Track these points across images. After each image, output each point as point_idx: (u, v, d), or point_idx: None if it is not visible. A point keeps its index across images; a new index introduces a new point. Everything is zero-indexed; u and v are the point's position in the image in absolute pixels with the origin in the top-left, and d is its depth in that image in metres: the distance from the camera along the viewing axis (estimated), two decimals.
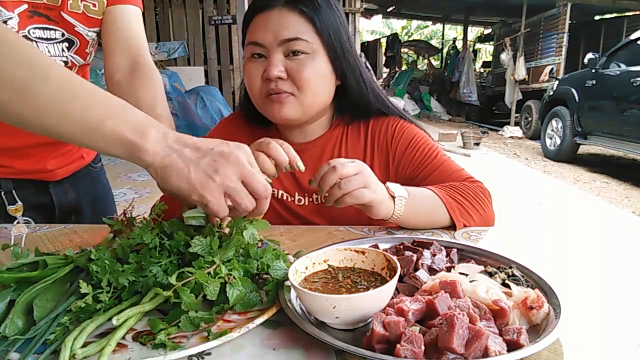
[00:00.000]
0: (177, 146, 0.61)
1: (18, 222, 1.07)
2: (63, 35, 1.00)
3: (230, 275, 0.62)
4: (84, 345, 0.53)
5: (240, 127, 1.15)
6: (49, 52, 0.98)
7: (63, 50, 1.02)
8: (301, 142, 1.09)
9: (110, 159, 3.97)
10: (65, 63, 1.03)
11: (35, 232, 0.98)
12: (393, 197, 0.88)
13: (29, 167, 1.09)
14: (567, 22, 8.84)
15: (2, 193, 1.08)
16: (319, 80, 0.98)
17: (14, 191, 1.09)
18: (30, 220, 1.10)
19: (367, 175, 0.84)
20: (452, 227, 0.93)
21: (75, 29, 1.01)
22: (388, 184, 0.90)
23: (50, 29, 0.98)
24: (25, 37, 0.94)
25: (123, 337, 0.56)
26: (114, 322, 0.55)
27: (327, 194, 0.83)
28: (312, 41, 0.96)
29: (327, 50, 0.98)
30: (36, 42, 0.96)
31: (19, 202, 1.09)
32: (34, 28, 0.95)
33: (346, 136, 1.09)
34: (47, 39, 0.98)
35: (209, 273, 0.60)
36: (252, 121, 1.12)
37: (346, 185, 0.81)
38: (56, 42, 1.00)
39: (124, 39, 1.05)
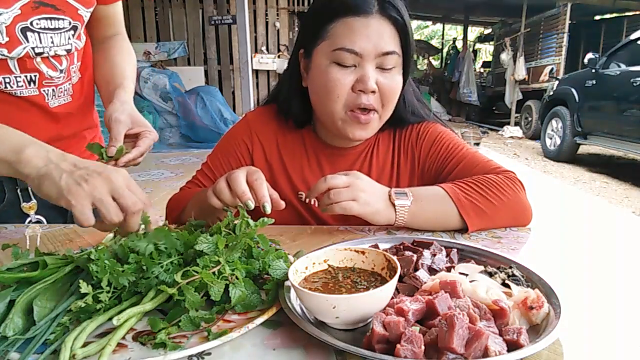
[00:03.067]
0: (55, 159, 0.70)
1: (30, 221, 1.08)
2: (70, 23, 1.01)
3: (233, 275, 0.62)
4: (84, 345, 0.53)
5: (268, 122, 1.09)
6: (52, 41, 0.98)
7: (69, 38, 1.03)
8: (340, 147, 1.07)
9: None
10: (69, 51, 1.04)
11: (35, 232, 0.98)
12: (394, 205, 0.88)
13: None
14: (567, 22, 8.83)
15: (18, 190, 1.09)
16: (397, 95, 0.96)
17: (29, 188, 1.09)
18: (42, 219, 1.10)
19: (358, 189, 0.85)
20: (465, 229, 0.90)
21: (78, 12, 1.03)
22: (392, 190, 0.90)
23: (58, 19, 0.98)
24: (27, 28, 0.93)
25: (123, 337, 0.56)
26: (115, 322, 0.55)
27: (317, 201, 0.86)
28: (399, 55, 0.93)
29: (403, 65, 0.96)
30: (39, 32, 0.96)
31: (34, 200, 1.09)
32: (40, 19, 0.95)
33: (378, 143, 1.09)
34: (53, 29, 0.98)
35: (213, 273, 0.60)
36: (286, 119, 1.07)
37: (335, 196, 0.84)
38: (64, 31, 1.01)
39: (109, 25, 1.19)
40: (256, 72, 8.18)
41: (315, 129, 1.08)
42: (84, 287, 0.57)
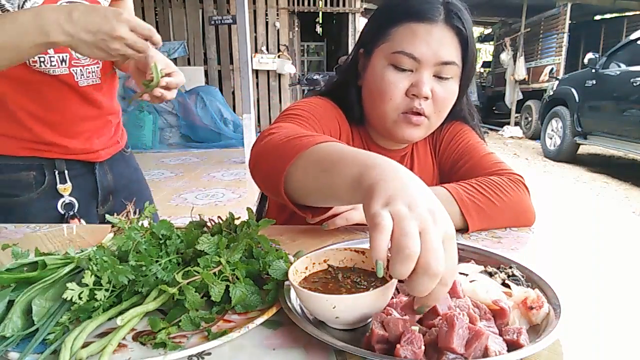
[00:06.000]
0: (72, 29, 0.83)
1: (64, 202, 1.18)
2: None
3: (234, 275, 0.62)
4: (85, 346, 0.53)
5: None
6: None
7: None
8: (387, 148, 1.08)
9: None
10: None
11: (35, 232, 0.98)
12: None
13: (79, 147, 1.17)
14: (567, 22, 8.83)
15: (56, 172, 1.17)
16: (451, 104, 0.97)
17: (66, 171, 1.18)
18: (74, 201, 1.19)
19: None
20: (465, 229, 0.89)
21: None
22: None
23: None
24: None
25: (123, 337, 0.56)
26: (118, 322, 0.55)
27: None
28: (459, 65, 0.94)
29: (462, 77, 0.96)
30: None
31: (69, 182, 1.18)
32: (69, 1, 1.00)
33: (417, 145, 1.12)
34: None
35: (214, 273, 0.60)
36: (345, 113, 1.05)
37: (334, 208, 0.84)
38: None
39: None
40: (256, 72, 8.19)
41: (367, 128, 1.09)
42: (87, 277, 0.57)
